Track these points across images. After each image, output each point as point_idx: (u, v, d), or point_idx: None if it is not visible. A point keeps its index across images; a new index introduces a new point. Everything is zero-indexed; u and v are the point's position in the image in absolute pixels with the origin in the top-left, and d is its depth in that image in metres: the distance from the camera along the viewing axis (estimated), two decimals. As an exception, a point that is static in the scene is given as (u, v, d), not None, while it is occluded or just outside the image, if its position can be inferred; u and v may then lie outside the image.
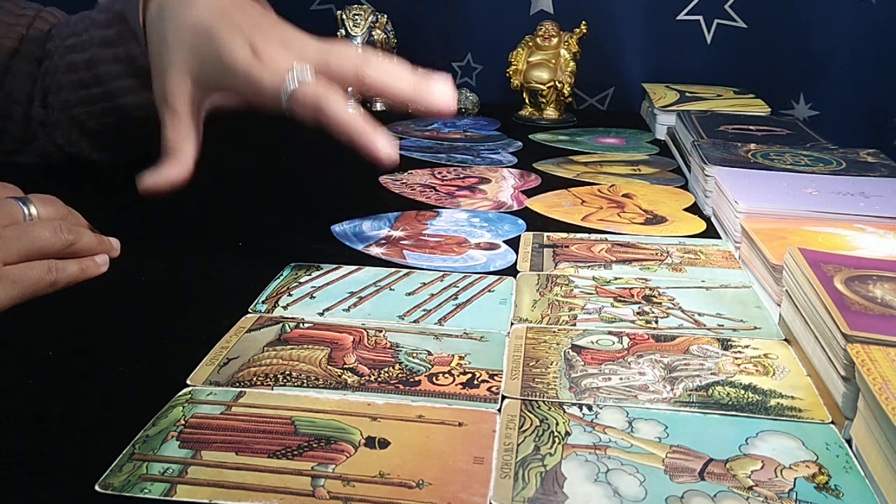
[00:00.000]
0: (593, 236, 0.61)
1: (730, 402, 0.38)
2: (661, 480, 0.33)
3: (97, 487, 0.31)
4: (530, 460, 0.34)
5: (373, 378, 0.40)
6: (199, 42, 0.49)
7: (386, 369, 0.41)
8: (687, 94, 1.00)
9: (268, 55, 0.48)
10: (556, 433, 0.36)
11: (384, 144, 0.48)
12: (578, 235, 0.61)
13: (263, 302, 0.48)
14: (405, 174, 0.76)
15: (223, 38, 0.49)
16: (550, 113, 1.02)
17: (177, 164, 0.50)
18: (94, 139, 0.63)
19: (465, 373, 0.40)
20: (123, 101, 0.58)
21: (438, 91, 0.49)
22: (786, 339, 0.45)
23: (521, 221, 0.64)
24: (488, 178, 0.76)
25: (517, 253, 0.57)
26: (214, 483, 0.32)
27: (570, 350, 0.43)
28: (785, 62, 1.06)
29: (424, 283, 0.51)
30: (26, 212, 0.48)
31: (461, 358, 0.42)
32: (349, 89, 0.49)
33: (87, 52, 0.59)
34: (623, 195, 0.71)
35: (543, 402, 0.38)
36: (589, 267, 0.54)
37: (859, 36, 1.02)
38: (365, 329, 0.45)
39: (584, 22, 1.00)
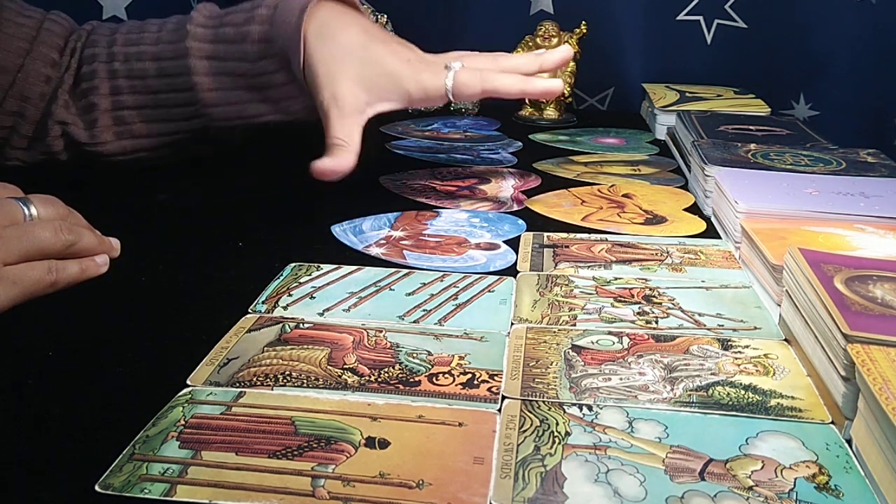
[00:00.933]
0: (593, 236, 0.61)
1: (730, 403, 0.38)
2: (662, 480, 0.33)
3: (97, 487, 0.31)
4: (530, 460, 0.34)
5: (373, 378, 0.40)
6: (364, 57, 0.59)
7: (386, 369, 0.41)
8: (687, 95, 1.00)
9: (421, 61, 0.60)
10: (556, 433, 0.36)
11: (549, 85, 0.62)
12: (578, 235, 0.61)
13: (263, 302, 0.48)
14: (405, 174, 0.76)
15: (382, 52, 0.60)
16: (550, 113, 1.02)
17: (346, 154, 0.58)
18: (137, 138, 0.66)
19: (465, 373, 0.41)
20: (215, 111, 0.64)
21: (554, 56, 0.65)
22: (786, 340, 0.45)
23: (521, 221, 0.64)
24: (488, 178, 0.76)
25: (517, 253, 0.57)
26: (214, 483, 0.32)
27: (570, 350, 0.43)
28: (785, 62, 1.06)
29: (424, 284, 0.51)
30: (26, 212, 0.48)
31: (461, 358, 0.42)
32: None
33: (165, 62, 0.63)
34: (623, 195, 0.71)
35: (543, 402, 0.38)
36: (589, 267, 0.54)
37: (859, 36, 1.02)
38: (365, 329, 0.45)
39: (584, 22, 0.99)
